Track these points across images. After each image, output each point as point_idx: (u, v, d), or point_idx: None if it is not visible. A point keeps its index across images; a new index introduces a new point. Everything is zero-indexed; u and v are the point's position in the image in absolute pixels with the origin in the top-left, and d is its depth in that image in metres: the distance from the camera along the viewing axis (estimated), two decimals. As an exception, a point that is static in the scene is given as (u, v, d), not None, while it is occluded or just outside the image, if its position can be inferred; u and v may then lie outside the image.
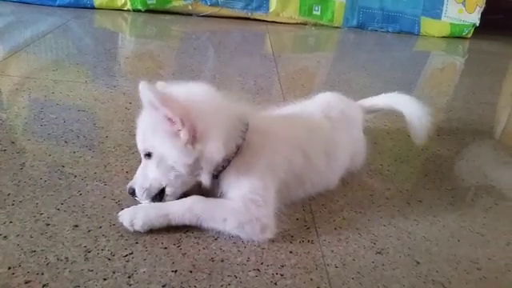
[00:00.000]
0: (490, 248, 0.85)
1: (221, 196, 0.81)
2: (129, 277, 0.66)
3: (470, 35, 2.94)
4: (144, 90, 0.72)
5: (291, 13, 2.67)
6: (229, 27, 2.54)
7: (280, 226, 0.81)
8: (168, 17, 2.51)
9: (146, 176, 0.80)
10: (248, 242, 0.77)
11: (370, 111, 1.19)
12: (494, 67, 2.51)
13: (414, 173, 1.12)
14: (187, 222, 0.77)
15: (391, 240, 0.83)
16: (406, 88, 1.85)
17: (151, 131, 0.78)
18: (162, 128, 0.75)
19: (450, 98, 1.85)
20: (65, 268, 0.67)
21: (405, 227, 0.88)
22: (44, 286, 0.63)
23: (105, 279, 0.65)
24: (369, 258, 0.77)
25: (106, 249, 0.71)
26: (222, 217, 0.77)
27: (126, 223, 0.75)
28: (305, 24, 2.72)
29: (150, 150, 0.79)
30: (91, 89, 1.38)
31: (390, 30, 2.82)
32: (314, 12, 2.70)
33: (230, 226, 0.77)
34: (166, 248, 0.73)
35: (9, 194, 0.82)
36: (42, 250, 0.70)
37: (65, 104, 1.24)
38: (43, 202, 0.81)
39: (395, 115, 1.23)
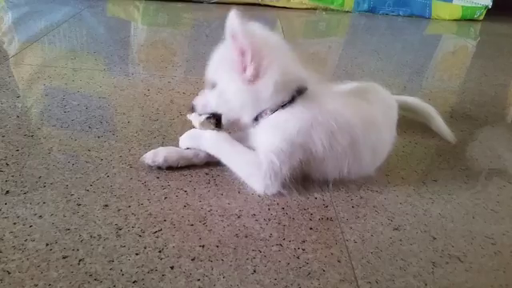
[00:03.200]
0: (504, 224, 0.87)
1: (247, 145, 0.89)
2: (159, 251, 0.70)
3: (482, 17, 2.91)
4: (233, 17, 0.79)
5: (302, -2, 2.67)
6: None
7: (301, 205, 0.85)
8: (180, 4, 2.53)
9: (208, 100, 0.91)
10: (269, 219, 0.80)
11: None
12: (507, 49, 2.50)
13: (428, 154, 1.14)
14: (211, 151, 0.90)
15: (408, 217, 0.86)
16: (418, 71, 1.87)
17: (222, 63, 0.87)
18: (232, 60, 0.82)
19: (462, 81, 1.85)
20: (98, 244, 0.70)
21: (421, 205, 0.90)
22: (80, 260, 0.67)
23: (137, 254, 0.69)
24: (386, 234, 0.80)
25: (136, 226, 0.75)
26: (237, 161, 0.88)
27: (148, 159, 0.90)
28: (315, 9, 2.72)
29: (216, 81, 0.88)
30: (110, 76, 1.41)
31: (401, 13, 2.80)
32: (325, -3, 2.69)
33: (240, 172, 0.88)
34: (192, 225, 0.77)
35: (40, 177, 0.86)
36: (76, 228, 0.73)
37: (86, 91, 1.27)
38: (73, 184, 0.85)
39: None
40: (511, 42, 2.68)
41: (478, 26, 2.91)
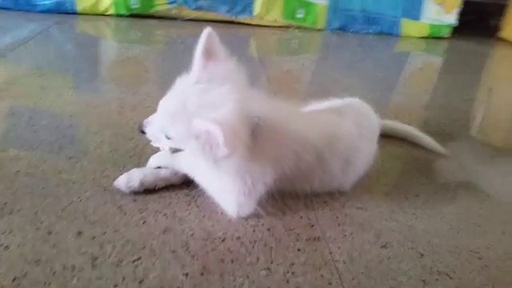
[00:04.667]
0: (488, 238, 0.87)
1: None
2: (140, 282, 0.65)
3: (448, 35, 3.02)
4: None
5: (275, 16, 2.68)
6: (214, 31, 2.53)
7: (286, 226, 0.82)
8: (152, 21, 2.49)
9: (162, 142, 0.85)
10: (255, 241, 0.77)
11: None
12: (472, 65, 2.59)
13: (407, 168, 1.14)
14: (185, 170, 0.87)
15: (394, 234, 0.84)
16: (390, 87, 1.90)
17: (183, 133, 0.76)
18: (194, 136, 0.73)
19: (434, 96, 1.90)
20: (73, 276, 0.65)
21: (405, 221, 0.89)
22: (52, 295, 0.61)
23: (115, 286, 0.64)
24: (374, 253, 0.78)
25: (113, 255, 0.70)
26: (210, 179, 0.84)
27: (123, 186, 0.84)
28: (288, 27, 2.74)
29: (171, 137, 0.79)
30: (81, 94, 1.36)
31: (371, 31, 2.86)
32: (298, 15, 2.72)
33: (213, 190, 0.84)
34: (174, 251, 0.72)
35: (6, 203, 0.80)
36: (47, 259, 0.68)
37: (55, 110, 1.21)
38: (43, 210, 0.79)
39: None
40: (476, 59, 2.79)
41: (445, 43, 3.01)
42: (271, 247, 0.76)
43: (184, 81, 0.80)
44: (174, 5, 2.50)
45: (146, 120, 0.86)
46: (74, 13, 2.40)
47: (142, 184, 0.86)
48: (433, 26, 2.94)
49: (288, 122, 0.83)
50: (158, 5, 2.48)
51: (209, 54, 0.78)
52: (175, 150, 0.88)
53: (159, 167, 0.91)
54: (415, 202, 0.97)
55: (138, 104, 1.30)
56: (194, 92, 0.76)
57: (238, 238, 0.78)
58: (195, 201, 0.86)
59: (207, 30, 0.78)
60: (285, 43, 2.62)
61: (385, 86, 1.92)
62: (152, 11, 2.50)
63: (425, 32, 2.95)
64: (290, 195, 0.89)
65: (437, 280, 0.74)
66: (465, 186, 1.08)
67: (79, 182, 0.88)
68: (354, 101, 1.09)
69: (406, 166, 1.15)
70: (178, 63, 1.79)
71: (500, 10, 3.51)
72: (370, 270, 0.74)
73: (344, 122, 0.95)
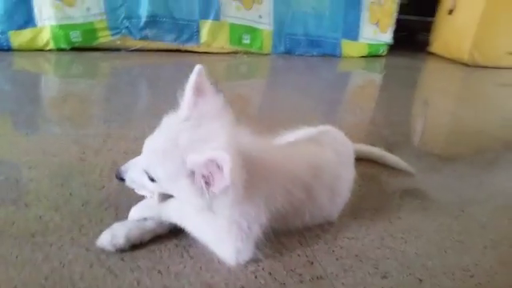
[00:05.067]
0: (473, 254, 0.91)
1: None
2: None
3: (385, 53, 3.21)
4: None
5: (222, 43, 2.70)
6: (160, 60, 2.49)
7: (287, 267, 0.80)
8: (96, 53, 2.39)
9: (146, 186, 0.80)
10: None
11: None
12: (408, 80, 2.79)
13: (383, 191, 1.16)
14: (173, 220, 0.81)
15: (390, 262, 0.85)
16: (337, 106, 1.99)
17: (174, 171, 0.72)
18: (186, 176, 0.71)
19: (374, 112, 2.02)
20: None
21: (396, 247, 0.90)
22: None
23: None
24: (377, 285, 0.78)
25: (113, 325, 0.63)
26: (203, 227, 0.79)
27: (107, 244, 0.77)
28: (236, 53, 2.76)
29: (158, 179, 0.75)
30: (34, 140, 1.25)
31: (314, 53, 2.97)
32: (244, 41, 2.76)
33: (208, 240, 0.79)
34: (178, 311, 0.67)
35: (-27, 279, 0.70)
36: None
37: (11, 161, 1.10)
38: (22, 282, 0.70)
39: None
40: (411, 74, 2.99)
41: (383, 60, 3.20)
42: (277, 292, 0.74)
43: (172, 119, 0.77)
44: (118, 36, 2.42)
45: (124, 166, 0.81)
46: (10, 49, 2.23)
47: (127, 240, 0.79)
48: (371, 46, 3.11)
49: (277, 159, 0.82)
50: (101, 37, 2.39)
51: (198, 90, 0.76)
52: (162, 197, 0.83)
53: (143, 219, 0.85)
54: (399, 225, 0.99)
55: (100, 147, 1.22)
56: (185, 128, 0.73)
57: (242, 287, 0.74)
58: (187, 251, 0.81)
59: (197, 67, 0.77)
60: (234, 69, 2.63)
61: (332, 105, 2.01)
62: (95, 43, 2.40)
63: (364, 51, 3.11)
64: (283, 232, 0.87)
65: (441, 305, 0.75)
66: (438, 204, 1.12)
67: (57, 245, 0.79)
68: (328, 128, 1.10)
69: (380, 187, 1.18)
70: (124, 96, 1.73)
71: (427, 27, 3.81)
72: (377, 303, 0.74)
73: (324, 151, 0.96)
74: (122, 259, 0.77)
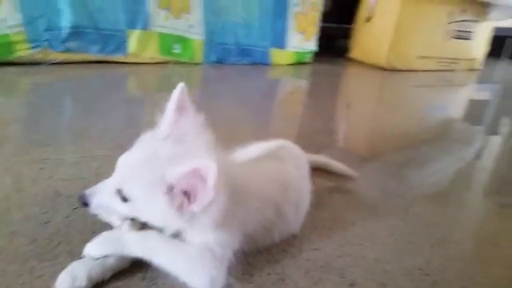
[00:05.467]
0: (423, 253, 0.97)
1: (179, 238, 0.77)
2: None
3: (310, 60, 3.34)
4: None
5: (151, 53, 2.62)
6: (86, 73, 2.34)
7: (260, 287, 0.80)
8: (13, 68, 2.18)
9: (115, 209, 0.75)
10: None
11: None
12: (332, 85, 2.96)
13: (333, 198, 1.20)
14: (139, 254, 0.75)
15: (353, 269, 0.88)
16: (269, 112, 2.07)
17: (148, 188, 0.69)
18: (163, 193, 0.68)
19: (303, 117, 2.10)
20: None
21: (356, 253, 0.94)
22: None
23: None
24: (347, 294, 0.81)
25: None
26: (173, 257, 0.75)
27: (67, 286, 0.70)
28: (167, 63, 2.69)
29: (131, 198, 0.71)
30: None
31: (245, 62, 3.00)
32: (175, 51, 2.70)
33: (179, 271, 0.75)
34: None
35: None
36: None
37: None
38: None
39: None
40: (334, 80, 3.16)
41: (309, 67, 3.33)
42: (255, 315, 0.73)
43: (150, 136, 0.75)
44: (38, 49, 2.24)
45: (90, 189, 0.76)
46: None
47: (90, 280, 0.73)
48: (297, 54, 3.22)
49: (250, 180, 0.81)
50: (19, 50, 2.19)
51: (179, 108, 0.75)
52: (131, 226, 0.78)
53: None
54: (355, 231, 1.03)
55: (37, 175, 1.11)
56: (165, 144, 0.71)
57: (219, 313, 0.72)
58: (156, 284, 0.77)
59: (180, 86, 0.76)
60: (165, 79, 2.57)
61: (264, 112, 2.05)
62: (12, 57, 2.19)
63: (291, 59, 3.21)
64: (251, 252, 0.87)
65: (407, 307, 0.79)
66: (383, 207, 1.19)
67: (7, 294, 0.71)
68: (284, 143, 1.12)
69: (330, 195, 1.22)
70: (53, 115, 1.61)
71: (346, 33, 4.04)
72: (350, 313, 0.76)
73: (286, 167, 0.97)
74: (86, 300, 0.71)
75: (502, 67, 4.85)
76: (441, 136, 2.07)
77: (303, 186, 0.98)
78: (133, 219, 0.79)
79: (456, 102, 3.06)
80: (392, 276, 0.88)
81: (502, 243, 1.05)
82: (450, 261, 0.95)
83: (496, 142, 2.09)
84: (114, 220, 0.80)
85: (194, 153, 0.69)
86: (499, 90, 3.55)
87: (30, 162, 1.18)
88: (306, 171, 1.06)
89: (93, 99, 1.85)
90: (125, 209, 0.75)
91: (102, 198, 0.75)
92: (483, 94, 3.46)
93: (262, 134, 1.61)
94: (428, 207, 1.21)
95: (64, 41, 2.30)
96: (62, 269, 0.74)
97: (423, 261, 0.94)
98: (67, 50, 2.33)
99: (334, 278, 0.85)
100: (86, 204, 0.76)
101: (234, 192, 0.75)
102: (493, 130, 2.35)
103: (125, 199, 0.73)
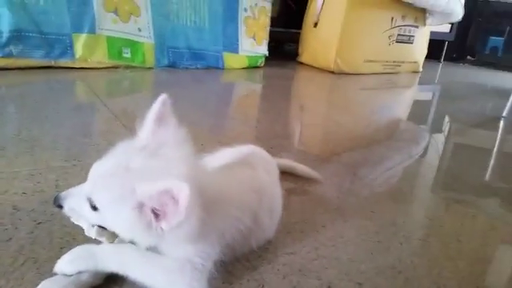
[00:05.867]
0: (393, 251, 1.01)
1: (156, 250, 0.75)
2: None
3: (262, 64, 3.37)
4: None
5: (100, 57, 2.51)
6: (31, 79, 2.20)
7: (241, 295, 0.79)
8: None
9: (86, 216, 0.73)
10: (222, 324, 0.71)
11: None
12: (284, 87, 3.03)
13: (301, 201, 1.22)
14: (114, 268, 0.72)
15: (329, 271, 0.90)
16: (225, 116, 2.09)
17: (117, 200, 0.66)
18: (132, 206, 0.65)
19: (258, 120, 2.12)
20: None
21: (330, 255, 0.96)
22: None
23: None
24: (326, 296, 0.82)
25: None
26: (151, 270, 0.72)
27: None
28: (117, 67, 2.60)
29: (100, 207, 0.69)
30: None
31: (198, 66, 2.97)
32: (124, 55, 2.61)
33: (158, 284, 0.72)
34: None
35: None
36: None
37: None
38: None
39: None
40: (286, 83, 3.23)
41: (261, 71, 3.36)
42: (239, 325, 0.72)
43: (126, 145, 0.72)
44: (-26, 54, 2.07)
45: (64, 192, 0.74)
46: None
47: None
48: (250, 58, 3.24)
49: (228, 190, 0.80)
50: (-48, 55, 2.02)
51: (159, 120, 0.73)
52: (100, 232, 0.74)
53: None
54: (326, 233, 1.05)
55: (-12, 189, 1.03)
56: (140, 155, 0.68)
57: (202, 326, 0.70)
58: (133, 298, 0.74)
59: (162, 97, 0.74)
60: (116, 84, 2.48)
61: (222, 116, 2.06)
62: None
63: (244, 63, 3.22)
64: (229, 260, 0.85)
65: (384, 304, 0.82)
66: (350, 208, 1.22)
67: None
68: (252, 148, 1.11)
69: (299, 198, 1.24)
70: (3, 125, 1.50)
71: (293, 38, 4.13)
72: (332, 315, 0.77)
73: (258, 173, 0.97)
74: (60, 322, 0.67)
75: (440, 69, 5.18)
76: (390, 136, 2.17)
77: (275, 192, 0.99)
78: (102, 227, 0.76)
79: (401, 103, 3.22)
80: (367, 276, 0.90)
81: (463, 239, 1.12)
82: (419, 257, 1.00)
83: (440, 139, 2.23)
84: (83, 224, 0.76)
85: (169, 168, 0.67)
86: (439, 91, 3.79)
87: (-22, 177, 1.09)
88: (276, 176, 1.06)
89: (40, 107, 1.74)
90: (94, 217, 0.72)
91: (74, 203, 0.73)
92: (425, 94, 3.68)
93: (222, 139, 1.62)
94: (390, 206, 1.26)
95: (4, 45, 2.15)
96: (31, 290, 0.69)
97: (394, 259, 0.98)
98: (8, 56, 2.17)
99: (312, 281, 0.86)
100: (60, 206, 0.74)
101: (212, 203, 0.73)
102: (436, 129, 2.50)
103: (94, 208, 0.70)
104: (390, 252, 1.00)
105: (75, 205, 0.73)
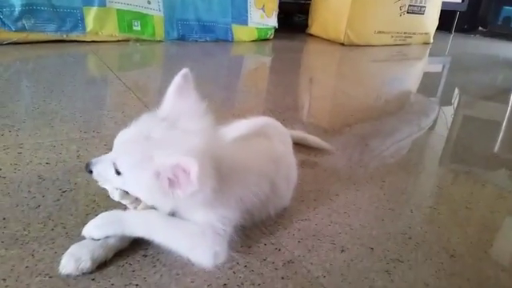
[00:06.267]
0: (404, 219, 1.05)
1: (179, 215, 0.80)
2: None
3: (272, 36, 3.35)
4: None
5: (111, 30, 2.51)
6: (45, 53, 2.22)
7: (259, 257, 0.83)
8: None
9: (112, 181, 0.79)
10: (242, 283, 0.76)
11: None
12: (294, 60, 3.02)
13: (315, 171, 1.25)
14: (140, 233, 0.77)
15: (342, 236, 0.94)
16: (234, 89, 2.11)
17: (137, 165, 0.72)
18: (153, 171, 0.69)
19: (268, 92, 2.15)
20: None
21: (343, 221, 1.00)
22: None
23: None
24: (340, 259, 0.86)
25: None
26: (175, 235, 0.78)
27: (73, 270, 0.71)
28: (128, 40, 2.61)
29: (122, 172, 0.75)
30: None
31: (208, 39, 2.96)
32: (134, 27, 2.61)
33: (182, 247, 0.77)
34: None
35: None
36: None
37: None
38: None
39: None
40: (295, 55, 3.21)
41: (270, 43, 3.34)
42: (259, 284, 0.76)
43: (149, 116, 0.77)
44: (-12, 28, 2.09)
45: (95, 159, 0.79)
46: None
47: (94, 262, 0.73)
48: (259, 30, 3.21)
49: (246, 158, 0.84)
50: (-33, 29, 2.04)
51: (181, 93, 0.77)
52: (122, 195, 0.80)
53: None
54: (339, 201, 1.09)
55: (17, 161, 1.07)
56: (160, 126, 0.74)
57: (225, 284, 0.75)
58: (158, 260, 0.79)
59: (183, 71, 0.78)
60: (127, 57, 2.49)
61: (234, 90, 2.09)
62: (-40, 37, 2.04)
63: (253, 36, 3.20)
64: (246, 226, 0.90)
65: (395, 267, 0.86)
66: (363, 176, 1.26)
67: (12, 277, 0.70)
68: (266, 120, 1.15)
69: (312, 168, 1.27)
70: (17, 97, 1.54)
71: (302, 9, 4.08)
72: (345, 276, 0.82)
73: (274, 143, 1.00)
74: (93, 279, 0.72)
75: (451, 40, 5.10)
76: (400, 108, 2.18)
77: (291, 161, 1.02)
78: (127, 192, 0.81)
79: (412, 75, 3.20)
80: (378, 241, 0.94)
81: (472, 207, 1.15)
82: (429, 224, 1.04)
83: (450, 111, 2.23)
84: (108, 187, 0.81)
85: (185, 140, 0.71)
86: (450, 63, 3.75)
87: (6, 147, 1.14)
88: (290, 146, 1.10)
89: (56, 80, 1.77)
90: (118, 181, 0.77)
91: (101, 168, 0.78)
92: (436, 66, 3.64)
93: (235, 111, 1.64)
94: (401, 176, 1.29)
95: (17, 19, 2.16)
96: (62, 252, 0.74)
97: (405, 225, 1.02)
98: (21, 30, 2.19)
99: (326, 244, 0.90)
100: (90, 171, 0.80)
101: (231, 171, 0.78)
102: (446, 101, 2.50)
103: (118, 172, 0.76)
104: (400, 219, 1.04)
105: (102, 170, 0.79)
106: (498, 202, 1.22)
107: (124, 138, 0.76)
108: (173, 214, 0.79)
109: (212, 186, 0.70)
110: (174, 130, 0.74)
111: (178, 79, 0.78)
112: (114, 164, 0.75)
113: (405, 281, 0.82)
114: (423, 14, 4.02)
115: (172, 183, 0.69)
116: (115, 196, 0.81)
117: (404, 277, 0.83)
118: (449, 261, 0.91)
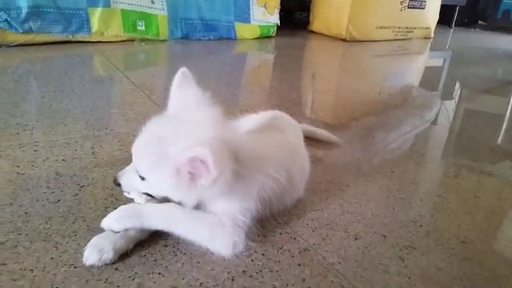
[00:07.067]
0: (414, 208, 1.07)
1: (200, 208, 0.82)
2: None
3: (274, 34, 3.37)
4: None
5: (116, 30, 2.54)
6: (51, 54, 2.24)
7: (276, 246, 0.86)
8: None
9: (138, 187, 0.83)
10: (261, 270, 0.78)
11: None
12: (296, 57, 3.03)
13: (325, 163, 1.27)
14: (159, 226, 0.79)
15: (355, 225, 0.96)
16: (237, 86, 2.12)
17: (155, 166, 0.75)
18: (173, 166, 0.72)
19: (270, 89, 2.17)
20: None
21: (355, 210, 1.02)
22: None
23: None
24: (354, 246, 0.88)
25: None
26: (195, 226, 0.80)
27: (96, 261, 0.73)
28: (133, 40, 2.63)
29: (146, 177, 0.78)
30: None
31: (211, 37, 2.98)
32: (139, 27, 2.64)
33: (201, 238, 0.80)
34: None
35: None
36: None
37: None
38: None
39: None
40: (298, 52, 3.22)
41: (273, 41, 3.36)
42: (277, 271, 0.79)
43: (158, 118, 0.80)
44: (-4, 30, 2.11)
45: (120, 172, 0.83)
46: None
47: (116, 252, 0.75)
48: (262, 27, 3.23)
49: (263, 149, 0.86)
50: (-25, 31, 2.06)
51: (183, 89, 0.80)
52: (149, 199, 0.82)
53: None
54: (350, 191, 1.11)
55: (34, 158, 1.10)
56: (169, 124, 0.77)
57: (244, 272, 0.77)
58: (179, 249, 0.81)
59: (182, 69, 0.81)
60: (132, 57, 2.51)
61: (240, 86, 2.11)
62: (-32, 40, 2.07)
63: (256, 33, 3.22)
64: (264, 217, 0.92)
65: (407, 254, 0.88)
66: (373, 168, 1.28)
67: (39, 268, 0.72)
68: (278, 113, 1.17)
69: (321, 161, 1.29)
70: (26, 96, 1.56)
71: (303, 6, 4.09)
72: (360, 262, 0.84)
73: (287, 136, 1.02)
74: (117, 269, 0.74)
75: (452, 34, 5.11)
76: (404, 101, 2.20)
77: (304, 153, 1.04)
78: (151, 196, 0.83)
79: (414, 69, 3.22)
80: (390, 228, 0.96)
81: (481, 195, 1.17)
82: (439, 212, 1.06)
83: (452, 105, 2.25)
84: (134, 196, 0.83)
85: (194, 131, 0.74)
86: (451, 57, 3.76)
87: (22, 145, 1.16)
88: (302, 139, 1.12)
89: (65, 80, 1.80)
90: (144, 186, 0.81)
91: (127, 178, 0.82)
92: (437, 60, 3.66)
93: (243, 107, 1.66)
94: (409, 166, 1.31)
95: (24, 21, 2.19)
96: (85, 244, 0.76)
97: (415, 214, 1.04)
98: (28, 31, 2.21)
99: (340, 233, 0.93)
100: (119, 184, 0.83)
101: (249, 160, 0.80)
102: (449, 94, 2.52)
103: (142, 178, 0.79)
104: (411, 207, 1.06)
105: (128, 180, 0.83)
106: (505, 190, 1.24)
107: (139, 145, 0.79)
108: (196, 208, 0.81)
109: (230, 167, 0.73)
110: (183, 124, 0.76)
111: (177, 77, 0.81)
112: (137, 170, 0.79)
113: (418, 266, 0.84)
114: (424, 8, 4.04)
115: (193, 176, 0.71)
116: (141, 201, 0.83)
117: (417, 262, 0.86)
118: (460, 246, 0.93)
